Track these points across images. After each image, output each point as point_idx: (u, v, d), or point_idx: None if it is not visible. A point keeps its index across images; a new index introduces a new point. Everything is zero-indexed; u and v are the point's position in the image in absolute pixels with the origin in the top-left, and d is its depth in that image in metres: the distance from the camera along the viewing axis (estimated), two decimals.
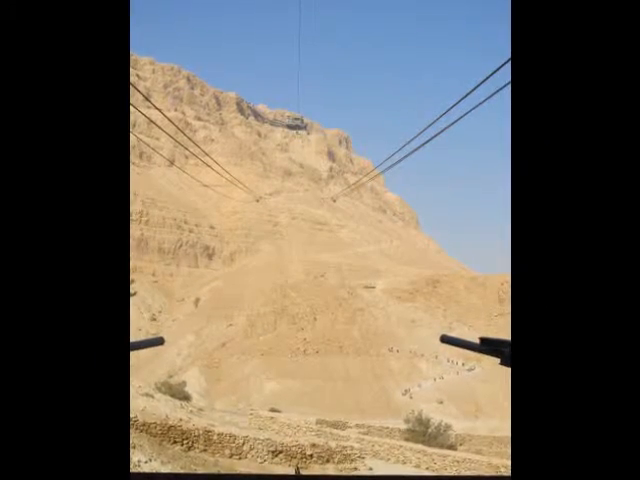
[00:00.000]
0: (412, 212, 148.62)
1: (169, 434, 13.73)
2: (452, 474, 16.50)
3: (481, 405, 32.40)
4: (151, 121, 8.17)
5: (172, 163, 74.14)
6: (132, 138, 74.16)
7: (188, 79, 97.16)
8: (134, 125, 74.27)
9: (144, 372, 38.85)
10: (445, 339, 1.91)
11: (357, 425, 24.99)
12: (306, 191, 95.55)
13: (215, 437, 14.30)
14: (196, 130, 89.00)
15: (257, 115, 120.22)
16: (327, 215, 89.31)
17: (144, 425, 13.53)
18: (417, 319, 55.45)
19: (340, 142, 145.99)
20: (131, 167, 64.23)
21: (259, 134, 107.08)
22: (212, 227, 64.94)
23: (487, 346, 1.60)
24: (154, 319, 56.51)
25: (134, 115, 75.57)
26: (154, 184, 65.76)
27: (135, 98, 65.08)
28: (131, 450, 11.68)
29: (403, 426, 24.99)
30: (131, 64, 79.23)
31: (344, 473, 14.63)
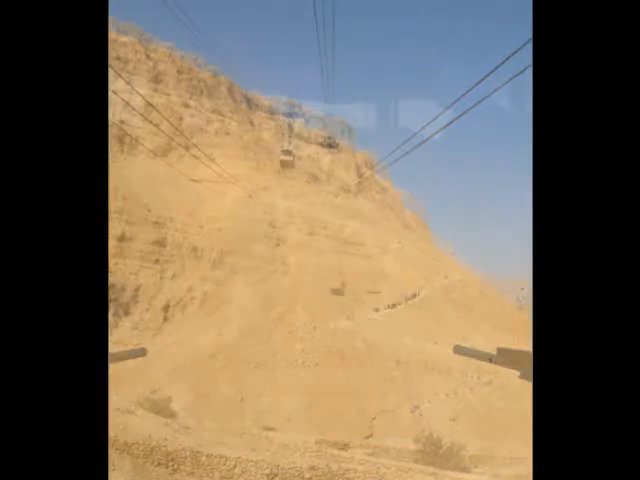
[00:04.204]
0: (424, 215, 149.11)
1: (153, 455, 13.74)
2: None
3: (498, 423, 32.42)
4: (127, 103, 8.13)
5: (155, 155, 74.22)
6: (132, 121, 74.25)
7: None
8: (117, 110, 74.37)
9: (124, 387, 38.80)
10: (459, 350, 1.91)
11: (361, 445, 25.00)
12: (307, 183, 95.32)
13: (204, 459, 14.31)
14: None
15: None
16: (329, 214, 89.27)
17: (125, 445, 13.55)
18: (428, 328, 55.49)
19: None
20: (113, 158, 64.31)
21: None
22: (201, 226, 64.87)
23: (505, 358, 1.60)
24: (136, 328, 56.50)
25: (128, 94, 75.74)
26: (138, 177, 65.84)
27: (138, 77, 64.32)
28: (111, 472, 11.69)
29: (412, 446, 25.00)
30: (116, 45, 79.27)
31: None
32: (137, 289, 47.68)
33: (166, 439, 14.54)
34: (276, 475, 14.54)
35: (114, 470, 12.22)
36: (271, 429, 29.10)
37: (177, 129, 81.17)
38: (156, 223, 56.68)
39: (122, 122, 71.93)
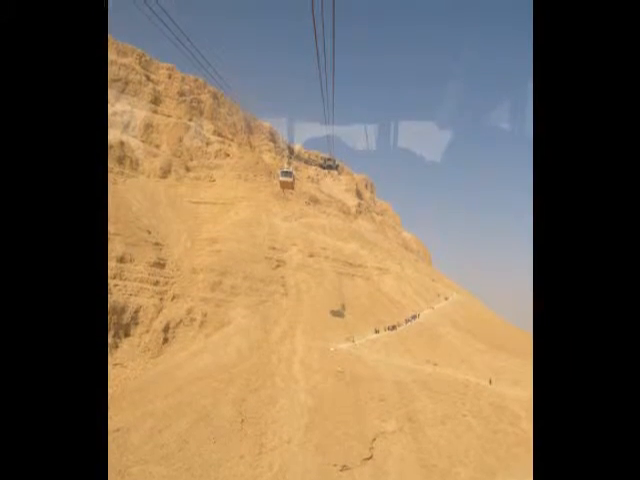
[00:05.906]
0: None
1: None
2: None
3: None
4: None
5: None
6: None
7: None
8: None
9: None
10: None
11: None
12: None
13: None
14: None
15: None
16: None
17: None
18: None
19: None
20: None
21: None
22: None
23: None
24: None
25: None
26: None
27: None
28: None
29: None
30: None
31: None
32: (137, 310, 48.33)
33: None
34: None
35: None
36: (271, 450, 29.64)
37: (177, 150, 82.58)
38: (156, 244, 57.57)
39: (122, 143, 73.26)
